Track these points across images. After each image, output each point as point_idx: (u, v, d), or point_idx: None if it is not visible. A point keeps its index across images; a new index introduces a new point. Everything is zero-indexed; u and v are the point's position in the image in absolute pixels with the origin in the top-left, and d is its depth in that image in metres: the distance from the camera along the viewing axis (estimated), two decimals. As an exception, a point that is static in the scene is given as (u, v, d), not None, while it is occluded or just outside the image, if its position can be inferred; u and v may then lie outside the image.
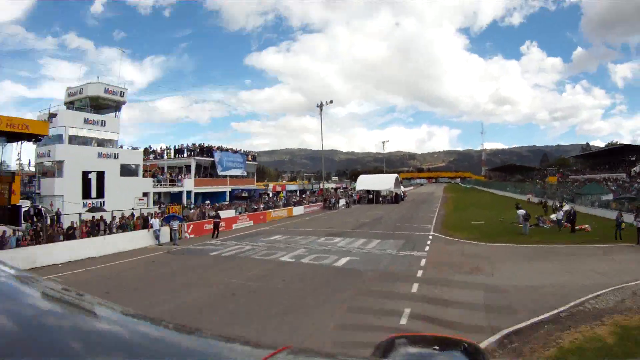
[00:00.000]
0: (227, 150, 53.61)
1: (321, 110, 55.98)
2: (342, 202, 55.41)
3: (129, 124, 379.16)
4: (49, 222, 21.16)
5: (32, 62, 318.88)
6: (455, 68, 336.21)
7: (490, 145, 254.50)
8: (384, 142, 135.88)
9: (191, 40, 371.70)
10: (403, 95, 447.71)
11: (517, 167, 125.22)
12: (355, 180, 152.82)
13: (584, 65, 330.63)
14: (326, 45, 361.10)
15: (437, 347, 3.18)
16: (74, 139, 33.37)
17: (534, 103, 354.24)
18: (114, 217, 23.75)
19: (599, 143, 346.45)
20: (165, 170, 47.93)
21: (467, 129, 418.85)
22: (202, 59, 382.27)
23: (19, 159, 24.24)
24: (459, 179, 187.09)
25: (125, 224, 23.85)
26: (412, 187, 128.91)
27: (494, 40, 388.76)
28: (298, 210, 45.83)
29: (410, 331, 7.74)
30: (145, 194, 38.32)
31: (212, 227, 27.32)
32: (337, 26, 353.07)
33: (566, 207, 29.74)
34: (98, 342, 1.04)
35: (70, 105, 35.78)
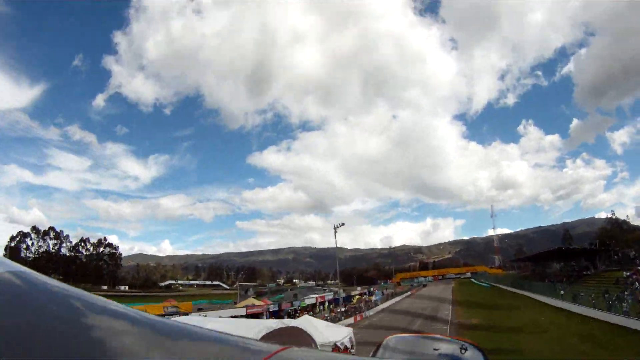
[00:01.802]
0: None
1: (335, 233, 55.25)
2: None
3: (133, 219, 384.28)
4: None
5: (37, 150, 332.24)
6: (455, 157, 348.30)
7: (496, 231, 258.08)
8: (388, 243, 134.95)
9: (193, 140, 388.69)
10: (405, 189, 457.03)
11: (556, 253, 66.01)
12: (360, 283, 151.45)
13: (582, 137, 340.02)
14: (326, 142, 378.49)
15: (437, 347, 4.01)
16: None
17: (537, 183, 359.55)
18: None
19: (604, 215, 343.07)
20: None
21: (471, 218, 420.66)
22: (205, 157, 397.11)
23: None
24: (469, 274, 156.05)
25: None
26: (408, 293, 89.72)
27: (490, 123, 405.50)
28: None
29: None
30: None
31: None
32: (335, 123, 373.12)
33: None
34: (98, 340, 0.89)
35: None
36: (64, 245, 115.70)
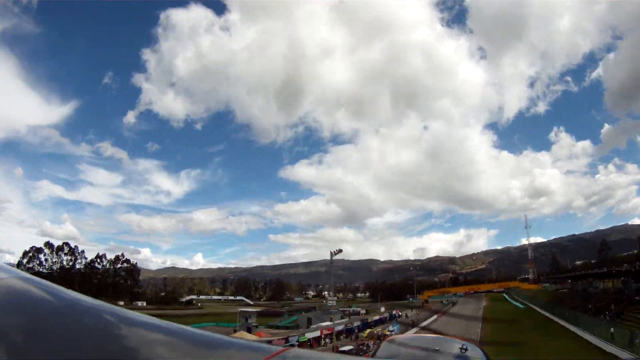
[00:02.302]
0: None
1: (332, 261, 58.28)
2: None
3: (165, 233, 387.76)
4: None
5: (69, 166, 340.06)
6: (487, 166, 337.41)
7: (530, 240, 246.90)
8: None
9: (224, 155, 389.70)
10: (438, 200, 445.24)
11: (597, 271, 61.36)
12: (388, 298, 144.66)
13: (613, 142, 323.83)
14: (357, 155, 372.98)
15: (437, 348, 3.72)
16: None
17: (569, 190, 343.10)
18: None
19: (637, 221, 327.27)
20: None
21: (505, 227, 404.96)
22: (237, 172, 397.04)
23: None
24: (502, 289, 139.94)
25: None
26: (433, 318, 75.99)
27: (521, 132, 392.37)
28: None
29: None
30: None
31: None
32: (367, 135, 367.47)
33: None
34: (101, 344, 1.00)
35: None
36: (78, 260, 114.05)
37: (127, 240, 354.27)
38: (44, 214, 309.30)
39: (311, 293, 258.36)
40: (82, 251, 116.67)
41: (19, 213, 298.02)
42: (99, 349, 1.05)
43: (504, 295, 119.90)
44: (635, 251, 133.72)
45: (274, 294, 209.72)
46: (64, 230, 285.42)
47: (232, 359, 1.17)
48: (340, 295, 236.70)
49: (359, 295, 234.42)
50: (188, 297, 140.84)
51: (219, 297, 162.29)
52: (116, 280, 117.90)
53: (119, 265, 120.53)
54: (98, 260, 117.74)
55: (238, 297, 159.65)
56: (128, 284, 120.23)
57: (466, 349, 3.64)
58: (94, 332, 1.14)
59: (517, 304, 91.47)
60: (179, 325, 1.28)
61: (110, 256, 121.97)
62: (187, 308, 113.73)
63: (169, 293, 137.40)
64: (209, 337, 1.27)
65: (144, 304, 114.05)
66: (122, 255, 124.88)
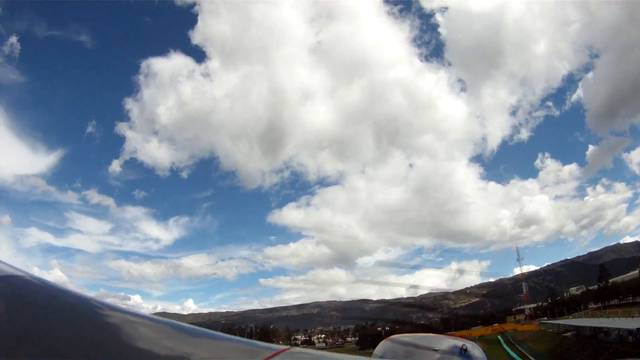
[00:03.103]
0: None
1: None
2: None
3: (155, 279, 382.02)
4: None
5: (58, 214, 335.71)
6: (475, 199, 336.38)
7: (523, 269, 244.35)
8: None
9: (212, 201, 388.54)
10: (428, 236, 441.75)
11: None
12: (372, 344, 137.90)
13: (599, 162, 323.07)
14: (344, 196, 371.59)
15: (437, 347, 3.75)
16: None
17: (559, 215, 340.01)
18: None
19: (629, 239, 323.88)
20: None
21: (497, 258, 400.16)
22: (225, 217, 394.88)
23: None
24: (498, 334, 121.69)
25: None
26: None
27: (507, 161, 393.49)
28: None
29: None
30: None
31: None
32: (352, 176, 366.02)
33: None
34: (98, 341, 1.10)
35: None
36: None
37: (117, 286, 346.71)
38: (33, 260, 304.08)
39: (301, 337, 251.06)
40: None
41: (7, 259, 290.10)
42: (99, 347, 1.09)
43: (499, 337, 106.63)
44: (636, 272, 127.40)
45: (261, 339, 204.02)
46: (53, 276, 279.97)
47: (233, 358, 1.18)
48: (330, 340, 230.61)
49: (348, 339, 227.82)
50: None
51: None
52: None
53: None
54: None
55: None
56: None
57: (466, 349, 3.56)
58: (94, 330, 1.19)
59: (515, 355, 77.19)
60: (179, 324, 1.32)
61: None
62: None
63: None
64: (210, 336, 1.29)
65: None
66: None
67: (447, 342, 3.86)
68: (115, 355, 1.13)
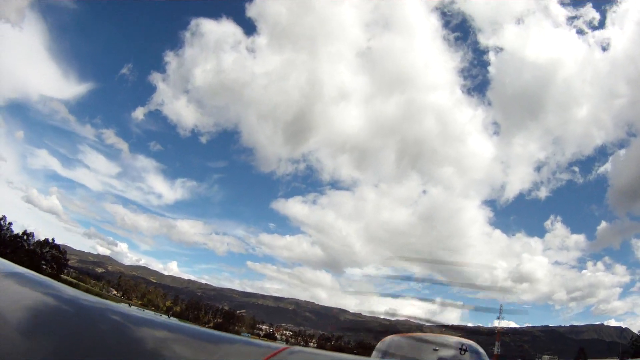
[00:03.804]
0: None
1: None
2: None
3: (147, 234, 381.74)
4: None
5: (71, 144, 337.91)
6: (478, 242, 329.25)
7: (503, 323, 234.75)
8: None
9: (223, 173, 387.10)
10: (422, 265, 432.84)
11: None
12: None
13: (608, 241, 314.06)
14: (353, 204, 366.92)
15: (437, 347, 3.97)
16: None
17: (554, 281, 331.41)
18: None
19: (613, 323, 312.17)
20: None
21: (481, 306, 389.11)
22: (231, 192, 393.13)
23: None
24: None
25: None
26: None
27: (518, 214, 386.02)
28: None
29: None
30: None
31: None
32: (366, 187, 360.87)
33: None
34: (97, 340, 1.07)
35: None
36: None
37: (107, 230, 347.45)
38: (34, 181, 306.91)
39: (265, 328, 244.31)
40: (10, 223, 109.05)
41: (10, 173, 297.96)
42: (98, 347, 1.01)
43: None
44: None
45: (223, 322, 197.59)
46: (48, 202, 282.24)
47: (233, 357, 1.17)
48: (292, 340, 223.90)
49: (310, 344, 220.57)
50: None
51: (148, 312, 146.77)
52: (40, 265, 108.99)
53: (46, 250, 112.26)
54: (25, 237, 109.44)
55: (168, 317, 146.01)
56: (49, 272, 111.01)
57: (466, 349, 3.75)
58: (93, 329, 1.11)
59: None
60: (180, 323, 1.26)
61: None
62: None
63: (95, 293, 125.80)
64: (210, 335, 1.25)
65: None
66: (53, 240, 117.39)
67: (447, 340, 3.88)
68: (114, 355, 1.09)
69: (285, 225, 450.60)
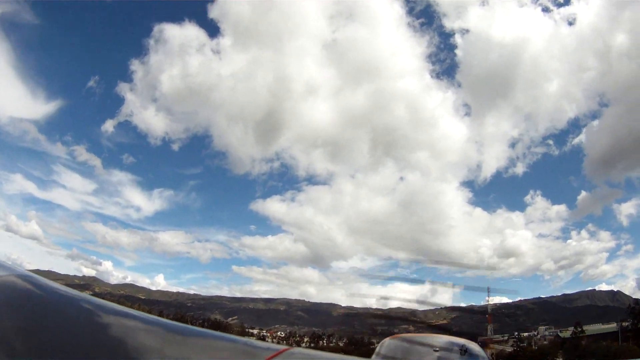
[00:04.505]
0: None
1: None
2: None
3: (129, 249, 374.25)
4: None
5: (45, 165, 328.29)
6: (460, 222, 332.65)
7: (494, 300, 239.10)
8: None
9: (199, 179, 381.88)
10: (407, 251, 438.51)
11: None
12: None
13: (589, 209, 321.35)
14: (331, 198, 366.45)
15: (437, 348, 3.82)
16: None
17: (540, 253, 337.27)
18: None
19: (605, 287, 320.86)
20: None
21: (471, 284, 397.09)
22: (209, 198, 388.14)
23: None
24: None
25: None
26: None
27: (497, 191, 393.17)
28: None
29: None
30: None
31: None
32: (342, 179, 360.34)
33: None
34: (95, 341, 1.11)
35: None
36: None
37: (90, 249, 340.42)
38: (12, 208, 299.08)
39: (256, 333, 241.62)
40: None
41: None
42: (97, 347, 1.09)
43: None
44: (612, 325, 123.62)
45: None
46: (28, 229, 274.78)
47: (234, 358, 1.22)
48: (284, 343, 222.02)
49: (302, 345, 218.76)
50: None
51: None
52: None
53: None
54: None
55: None
56: None
57: (466, 350, 3.71)
58: (91, 330, 1.18)
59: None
60: (179, 324, 1.33)
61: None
62: None
63: None
64: (210, 336, 1.32)
65: None
66: None
67: (447, 341, 3.83)
68: (113, 355, 1.15)
69: (266, 226, 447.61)
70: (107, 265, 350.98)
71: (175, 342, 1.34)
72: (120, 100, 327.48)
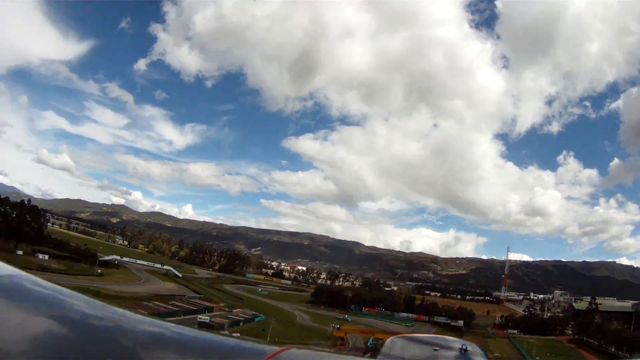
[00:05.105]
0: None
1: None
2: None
3: (160, 180, 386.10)
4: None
5: (76, 101, 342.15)
6: (490, 175, 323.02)
7: (515, 256, 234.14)
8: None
9: (231, 115, 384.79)
10: (435, 197, 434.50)
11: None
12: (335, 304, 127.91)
13: (620, 177, 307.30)
14: (363, 139, 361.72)
15: (437, 348, 4.53)
16: None
17: (566, 216, 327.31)
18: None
19: (625, 261, 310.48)
20: None
21: (494, 238, 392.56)
22: (241, 133, 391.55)
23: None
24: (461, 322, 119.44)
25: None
26: None
27: (531, 148, 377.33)
28: None
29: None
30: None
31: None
32: (375, 121, 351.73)
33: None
34: (101, 342, 1.12)
35: None
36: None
37: (121, 180, 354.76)
38: (43, 142, 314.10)
39: (275, 265, 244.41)
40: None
41: (18, 138, 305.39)
42: (97, 348, 1.09)
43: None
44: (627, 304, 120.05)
45: (228, 264, 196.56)
46: (60, 160, 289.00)
47: (233, 358, 1.22)
48: (301, 278, 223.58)
49: (319, 282, 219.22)
50: (110, 257, 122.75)
51: (145, 263, 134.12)
52: (20, 227, 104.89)
53: (23, 212, 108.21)
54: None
55: (165, 267, 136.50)
56: (33, 232, 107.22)
57: (466, 349, 3.78)
58: (92, 331, 1.18)
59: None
60: (179, 326, 1.32)
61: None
62: (84, 274, 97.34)
63: (84, 250, 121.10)
64: (210, 337, 1.31)
65: (46, 257, 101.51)
66: (29, 201, 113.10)
67: (448, 341, 3.97)
68: (112, 356, 1.14)
69: (297, 162, 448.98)
70: (137, 195, 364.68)
71: (175, 342, 1.33)
72: (152, 40, 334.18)
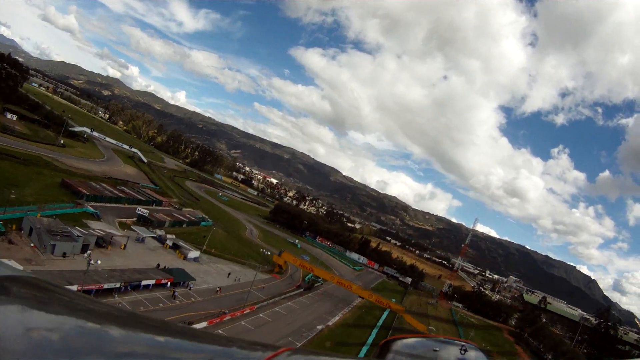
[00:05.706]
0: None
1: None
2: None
3: (160, 59, 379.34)
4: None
5: None
6: (482, 142, 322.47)
7: (483, 229, 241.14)
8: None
9: (249, 10, 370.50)
10: (423, 147, 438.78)
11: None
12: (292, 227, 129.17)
13: (606, 191, 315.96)
14: (371, 69, 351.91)
15: (437, 348, 3.87)
16: None
17: (543, 207, 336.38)
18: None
19: (585, 270, 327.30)
20: None
21: (468, 204, 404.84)
22: (252, 31, 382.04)
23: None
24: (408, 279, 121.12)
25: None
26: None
27: (530, 130, 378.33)
28: None
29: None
30: None
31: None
32: (388, 55, 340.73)
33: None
34: (101, 342, 1.12)
35: None
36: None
37: (121, 52, 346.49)
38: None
39: (246, 172, 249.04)
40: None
41: None
42: (97, 348, 1.11)
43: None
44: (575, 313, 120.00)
45: (200, 159, 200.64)
46: (66, 21, 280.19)
47: (232, 358, 1.25)
48: (269, 191, 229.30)
49: (285, 199, 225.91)
50: (80, 128, 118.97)
51: (114, 142, 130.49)
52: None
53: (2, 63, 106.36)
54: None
55: (133, 149, 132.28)
56: (7, 89, 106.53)
57: (466, 350, 3.78)
58: (92, 331, 1.21)
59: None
60: (179, 325, 1.34)
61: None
62: (46, 142, 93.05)
63: (56, 116, 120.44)
64: (210, 336, 1.34)
65: (14, 117, 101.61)
66: (9, 55, 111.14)
67: (447, 344, 3.95)
68: (113, 356, 1.17)
69: (300, 75, 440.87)
70: (134, 70, 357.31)
71: (174, 343, 1.35)
72: None
